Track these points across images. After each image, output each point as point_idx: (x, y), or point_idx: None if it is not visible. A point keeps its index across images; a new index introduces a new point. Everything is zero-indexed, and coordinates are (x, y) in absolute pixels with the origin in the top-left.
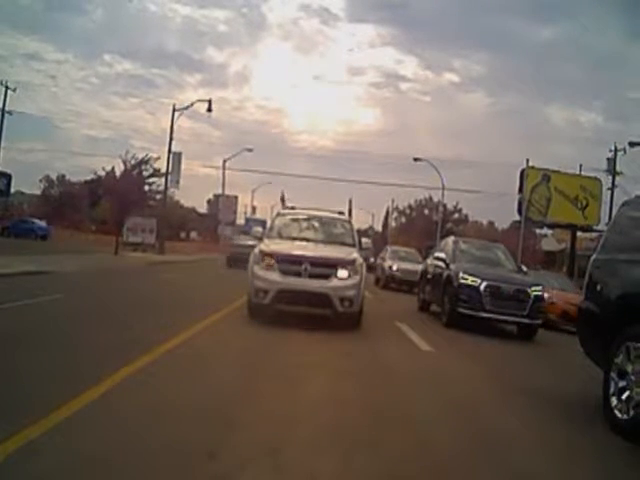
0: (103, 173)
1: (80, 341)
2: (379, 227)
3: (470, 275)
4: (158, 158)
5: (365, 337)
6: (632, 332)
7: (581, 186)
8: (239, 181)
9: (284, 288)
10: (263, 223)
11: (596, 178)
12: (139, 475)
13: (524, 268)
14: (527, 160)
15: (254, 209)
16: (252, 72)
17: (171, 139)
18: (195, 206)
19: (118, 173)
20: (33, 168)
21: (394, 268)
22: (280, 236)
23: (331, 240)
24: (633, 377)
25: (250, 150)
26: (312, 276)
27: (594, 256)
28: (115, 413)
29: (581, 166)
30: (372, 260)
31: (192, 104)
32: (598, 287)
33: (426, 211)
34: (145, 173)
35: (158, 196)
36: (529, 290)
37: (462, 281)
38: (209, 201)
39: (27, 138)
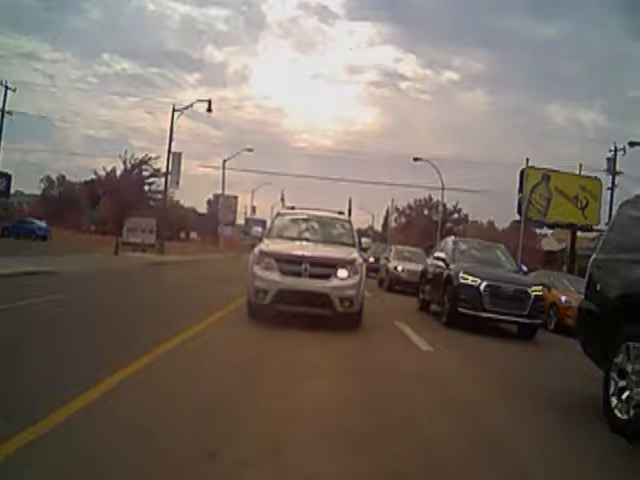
0: (103, 173)
1: (81, 341)
2: (379, 227)
3: (470, 275)
4: (158, 157)
5: (365, 337)
6: (632, 332)
7: (581, 186)
8: (239, 181)
9: (284, 288)
10: (263, 223)
11: (596, 178)
12: (139, 475)
13: (524, 268)
14: (527, 160)
15: (254, 209)
16: (251, 71)
17: (171, 139)
18: (195, 206)
19: (118, 173)
20: (33, 168)
21: (399, 269)
22: (280, 236)
23: (331, 240)
24: (633, 377)
25: (250, 150)
26: (312, 276)
27: (594, 256)
28: (115, 412)
29: (581, 166)
30: (372, 260)
31: (192, 104)
32: (598, 287)
33: (426, 211)
34: (145, 173)
35: (158, 196)
36: (529, 290)
37: (462, 281)
38: (209, 201)
39: (27, 138)
